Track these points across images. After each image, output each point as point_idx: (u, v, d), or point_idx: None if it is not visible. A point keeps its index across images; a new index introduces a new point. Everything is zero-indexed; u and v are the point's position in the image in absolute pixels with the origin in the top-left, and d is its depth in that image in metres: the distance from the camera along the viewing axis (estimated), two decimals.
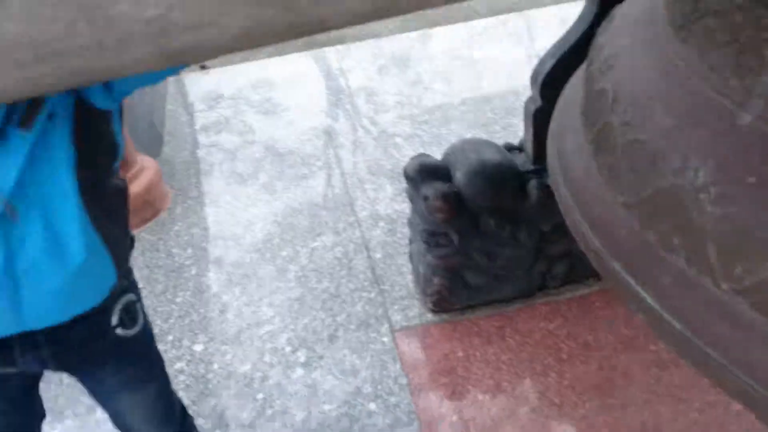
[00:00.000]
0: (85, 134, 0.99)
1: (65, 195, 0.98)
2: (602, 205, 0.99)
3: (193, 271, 2.40)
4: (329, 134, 3.15)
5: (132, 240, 1.23)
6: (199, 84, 3.59)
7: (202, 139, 3.19)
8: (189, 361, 2.03)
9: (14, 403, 1.22)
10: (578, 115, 1.14)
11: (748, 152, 0.75)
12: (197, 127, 3.29)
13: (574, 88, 1.28)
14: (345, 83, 3.53)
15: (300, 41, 2.48)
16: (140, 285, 2.08)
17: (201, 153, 3.11)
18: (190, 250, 2.50)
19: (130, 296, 1.20)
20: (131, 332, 1.20)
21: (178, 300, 2.27)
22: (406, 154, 2.91)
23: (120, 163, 1.13)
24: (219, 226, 2.62)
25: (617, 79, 1.02)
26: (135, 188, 2.64)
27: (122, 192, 1.15)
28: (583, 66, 1.23)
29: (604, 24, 1.20)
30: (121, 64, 0.60)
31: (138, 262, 2.41)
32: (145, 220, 2.66)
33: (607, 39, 1.14)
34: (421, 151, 2.92)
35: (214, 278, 2.37)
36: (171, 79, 3.48)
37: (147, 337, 1.28)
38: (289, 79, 3.53)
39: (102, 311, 1.14)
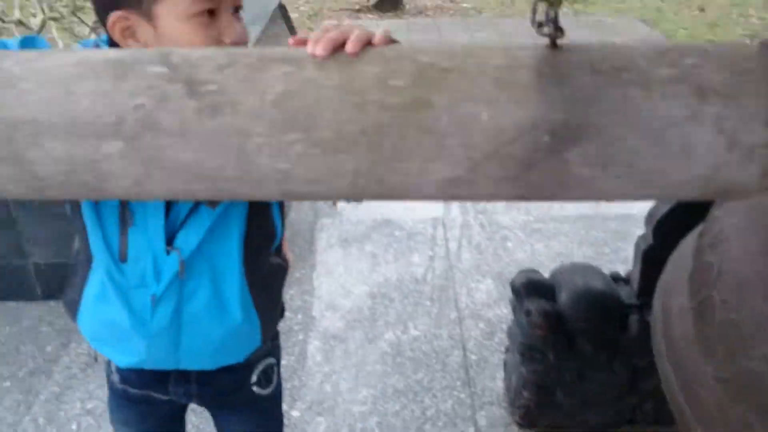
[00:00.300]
0: (253, 217, 1.18)
1: (232, 264, 1.16)
2: (695, 369, 1.08)
3: (300, 337, 2.59)
4: (444, 225, 3.32)
5: (282, 310, 1.39)
6: None
7: (321, 204, 3.44)
8: (285, 425, 2.19)
9: (163, 425, 1.40)
10: (686, 278, 1.24)
11: None
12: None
13: (686, 249, 1.37)
14: None
15: None
16: None
17: (322, 220, 3.36)
18: (300, 316, 2.70)
19: (271, 360, 1.36)
20: (265, 392, 1.36)
21: (284, 363, 2.44)
22: (516, 259, 3.04)
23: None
24: (330, 297, 2.82)
25: (724, 256, 1.12)
26: None
27: (280, 270, 1.32)
28: (697, 230, 1.33)
29: None
30: (252, 194, 0.80)
31: None
32: None
33: (722, 213, 1.23)
34: (530, 256, 3.04)
35: (318, 347, 2.54)
36: None
37: (277, 398, 1.43)
38: None
39: (245, 367, 1.30)
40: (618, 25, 7.73)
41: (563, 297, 2.07)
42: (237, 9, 1.06)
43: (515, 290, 2.14)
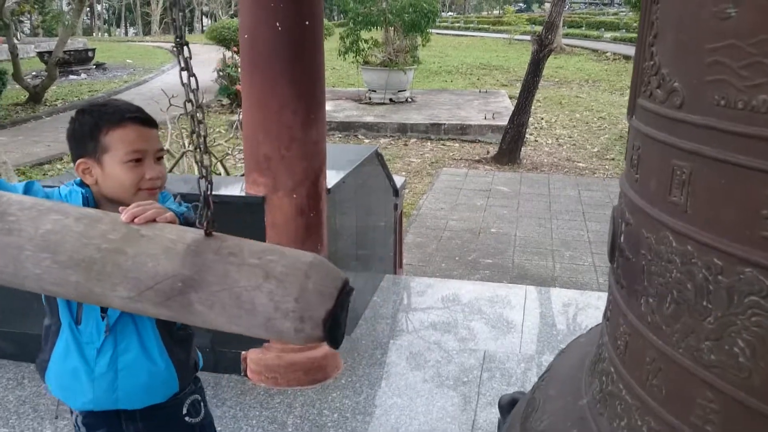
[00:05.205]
0: None
1: (149, 329, 1.64)
2: None
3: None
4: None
5: (196, 365, 1.81)
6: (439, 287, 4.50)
7: (416, 334, 3.88)
8: None
9: None
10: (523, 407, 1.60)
11: None
12: (416, 324, 4.04)
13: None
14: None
15: None
16: (290, 429, 2.73)
17: (393, 342, 3.79)
18: (336, 415, 3.09)
19: (196, 397, 1.80)
20: (195, 420, 1.79)
21: None
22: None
23: None
24: (368, 407, 3.18)
25: (544, 394, 1.49)
26: (315, 353, 3.34)
27: (188, 336, 1.77)
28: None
29: None
30: (21, 286, 1.31)
31: (295, 410, 3.08)
32: (315, 381, 3.32)
33: (554, 362, 1.63)
34: None
35: None
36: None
37: (207, 426, 1.85)
38: None
39: (175, 404, 1.74)
40: None
41: None
42: (159, 158, 1.61)
43: (501, 407, 2.45)
